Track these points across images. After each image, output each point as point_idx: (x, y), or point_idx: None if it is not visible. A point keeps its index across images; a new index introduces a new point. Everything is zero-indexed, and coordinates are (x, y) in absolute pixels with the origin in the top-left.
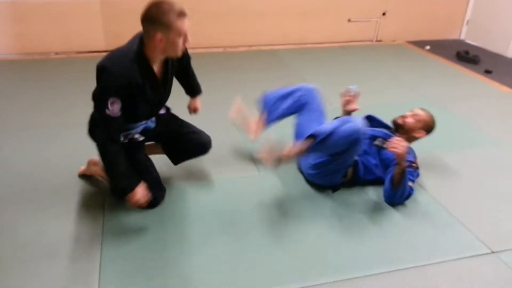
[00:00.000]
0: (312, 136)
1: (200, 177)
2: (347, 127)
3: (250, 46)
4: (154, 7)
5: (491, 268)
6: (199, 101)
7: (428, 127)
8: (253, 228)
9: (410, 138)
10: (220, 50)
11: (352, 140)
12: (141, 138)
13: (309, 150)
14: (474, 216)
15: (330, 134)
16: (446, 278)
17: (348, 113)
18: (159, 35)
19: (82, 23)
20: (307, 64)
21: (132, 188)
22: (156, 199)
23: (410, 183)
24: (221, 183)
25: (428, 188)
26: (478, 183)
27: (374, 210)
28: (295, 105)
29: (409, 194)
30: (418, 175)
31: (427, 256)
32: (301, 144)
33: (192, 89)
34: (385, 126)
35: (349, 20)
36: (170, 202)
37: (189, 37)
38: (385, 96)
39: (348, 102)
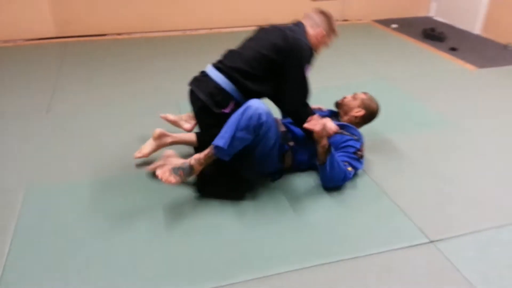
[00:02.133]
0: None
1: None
2: (244, 117)
3: (211, 28)
4: (331, 14)
5: (426, 258)
6: None
7: (366, 105)
8: (172, 223)
9: (352, 120)
10: (180, 33)
11: (254, 126)
12: None
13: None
14: (417, 203)
15: (232, 137)
16: (376, 270)
17: None
18: (323, 32)
19: (29, 9)
20: None
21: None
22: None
23: (349, 168)
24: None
25: (371, 173)
26: (425, 167)
27: (311, 198)
28: None
29: (345, 177)
30: (362, 163)
31: (360, 247)
32: (206, 153)
33: None
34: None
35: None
36: (94, 195)
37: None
38: (343, 77)
39: None
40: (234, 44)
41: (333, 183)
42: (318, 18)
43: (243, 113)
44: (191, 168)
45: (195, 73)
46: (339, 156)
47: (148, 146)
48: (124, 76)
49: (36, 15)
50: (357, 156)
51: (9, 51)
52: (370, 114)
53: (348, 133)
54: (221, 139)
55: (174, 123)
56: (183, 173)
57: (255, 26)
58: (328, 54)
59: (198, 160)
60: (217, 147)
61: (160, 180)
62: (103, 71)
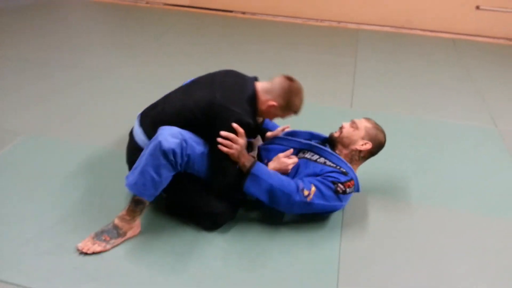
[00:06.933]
0: None
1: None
2: (149, 153)
3: (339, 22)
4: (296, 91)
5: None
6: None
7: (372, 136)
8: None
9: (355, 155)
10: (299, 21)
11: (164, 163)
12: None
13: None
14: None
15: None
16: None
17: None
18: (274, 103)
19: None
20: (384, 56)
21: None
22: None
23: (306, 192)
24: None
25: (345, 233)
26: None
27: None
28: None
29: (291, 201)
30: (341, 201)
31: None
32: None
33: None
34: (325, 140)
35: (477, 7)
36: None
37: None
38: (434, 112)
39: None
40: (340, 44)
41: (275, 205)
42: (278, 86)
43: (150, 150)
44: (115, 228)
45: (294, 69)
46: (305, 178)
47: None
48: (218, 55)
49: None
50: (334, 188)
51: (148, 11)
52: (377, 148)
53: (332, 164)
54: (131, 178)
55: None
56: (109, 236)
57: (393, 27)
58: (444, 78)
59: (122, 218)
60: (129, 186)
61: (82, 251)
62: (197, 46)
